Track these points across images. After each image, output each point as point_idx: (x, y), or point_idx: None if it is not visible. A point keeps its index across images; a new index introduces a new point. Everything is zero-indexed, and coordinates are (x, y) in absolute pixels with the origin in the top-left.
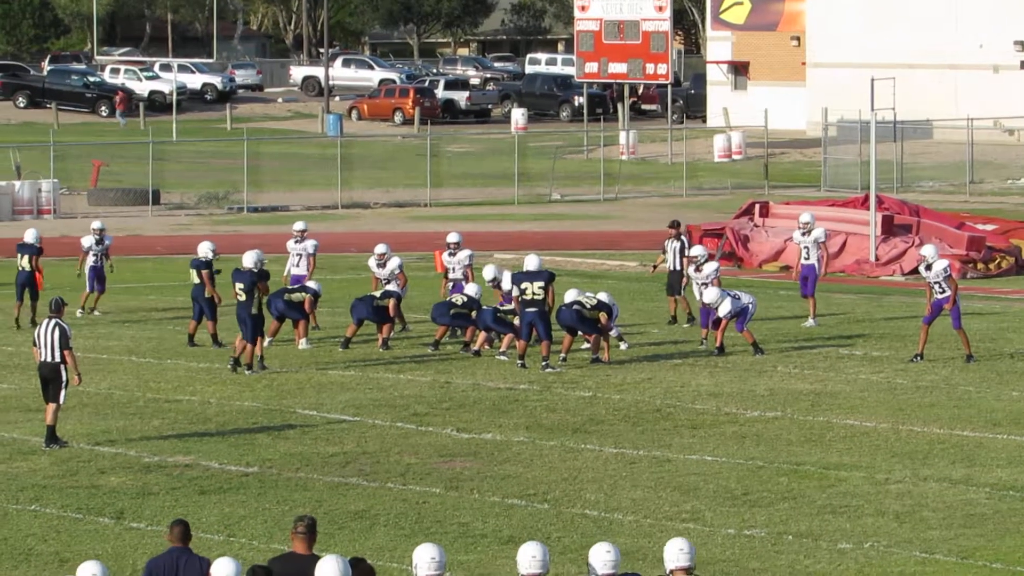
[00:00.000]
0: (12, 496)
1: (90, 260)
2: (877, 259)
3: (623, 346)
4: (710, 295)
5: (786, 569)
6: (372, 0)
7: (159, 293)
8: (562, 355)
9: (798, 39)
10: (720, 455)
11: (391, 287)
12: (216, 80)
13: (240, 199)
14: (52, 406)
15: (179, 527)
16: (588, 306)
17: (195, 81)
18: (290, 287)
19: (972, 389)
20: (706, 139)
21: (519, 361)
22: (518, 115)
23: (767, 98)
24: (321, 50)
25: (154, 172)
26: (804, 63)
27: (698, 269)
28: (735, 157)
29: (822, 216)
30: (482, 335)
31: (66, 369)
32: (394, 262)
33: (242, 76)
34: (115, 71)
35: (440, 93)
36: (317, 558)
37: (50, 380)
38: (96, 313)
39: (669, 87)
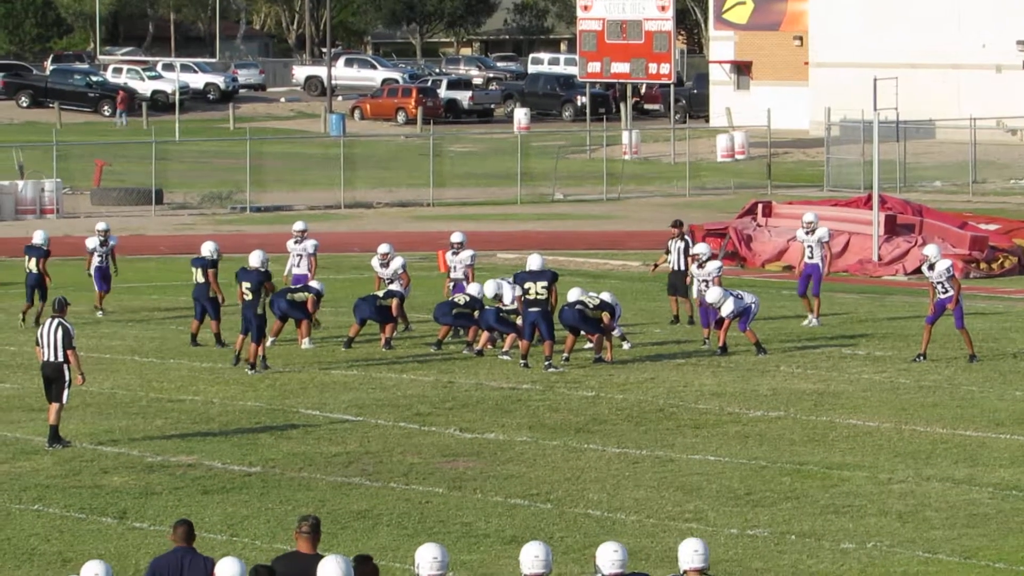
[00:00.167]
0: (15, 496)
1: (95, 261)
2: (880, 259)
3: (626, 346)
4: (713, 295)
5: (789, 569)
6: (375, 0)
7: (162, 293)
8: (565, 355)
9: (801, 39)
10: (723, 455)
11: (394, 287)
12: (219, 80)
13: (243, 199)
14: (55, 406)
15: (183, 527)
16: (591, 306)
17: (198, 81)
18: (293, 287)
19: (975, 389)
20: (709, 139)
21: (522, 361)
22: (521, 115)
23: (770, 98)
24: (324, 50)
25: (157, 172)
26: (807, 63)
27: (701, 266)
28: (738, 157)
29: (825, 216)
30: (485, 335)
31: (69, 369)
32: (397, 262)
33: (245, 76)
34: (118, 71)
35: (443, 93)
36: (321, 558)
37: (53, 380)
38: (100, 313)
39: (672, 87)
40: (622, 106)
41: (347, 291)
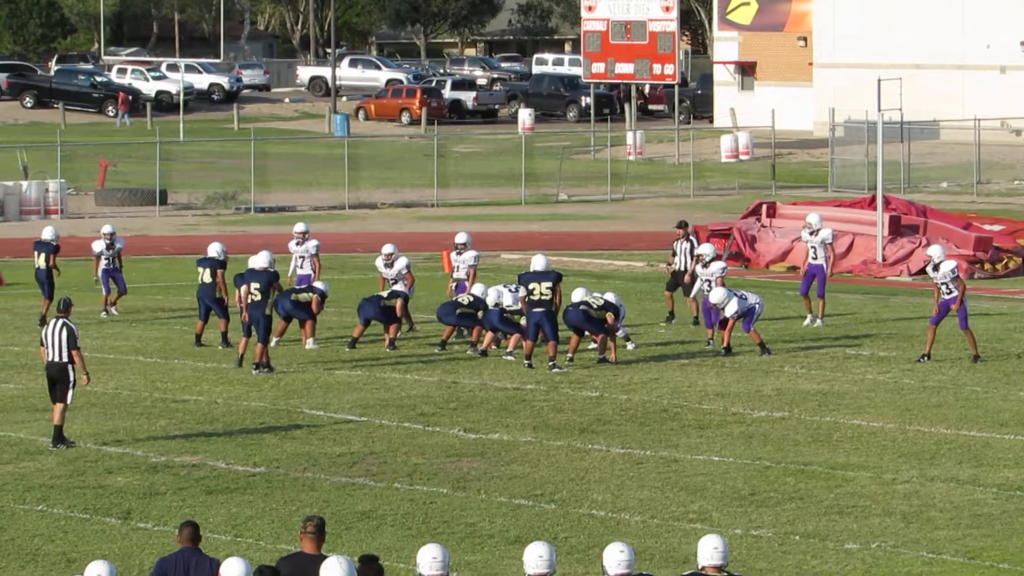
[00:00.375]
0: (19, 496)
1: (102, 264)
2: (884, 259)
3: (630, 346)
4: (717, 295)
5: (793, 569)
6: (379, 0)
7: (166, 293)
8: (569, 355)
9: (805, 39)
10: (727, 455)
11: (398, 287)
12: (223, 80)
13: (247, 199)
14: (59, 406)
15: (189, 528)
16: (595, 306)
17: (202, 81)
18: (297, 287)
19: (979, 389)
20: (713, 139)
21: (526, 361)
22: (525, 115)
23: (774, 98)
24: (328, 50)
25: (161, 172)
26: (811, 63)
27: (705, 266)
28: (742, 157)
29: (829, 216)
30: (489, 335)
31: (74, 369)
32: (401, 262)
33: (249, 76)
34: (122, 71)
35: (447, 93)
36: (325, 559)
37: (58, 380)
38: (104, 314)
39: (676, 87)
40: (626, 107)
41: (351, 291)
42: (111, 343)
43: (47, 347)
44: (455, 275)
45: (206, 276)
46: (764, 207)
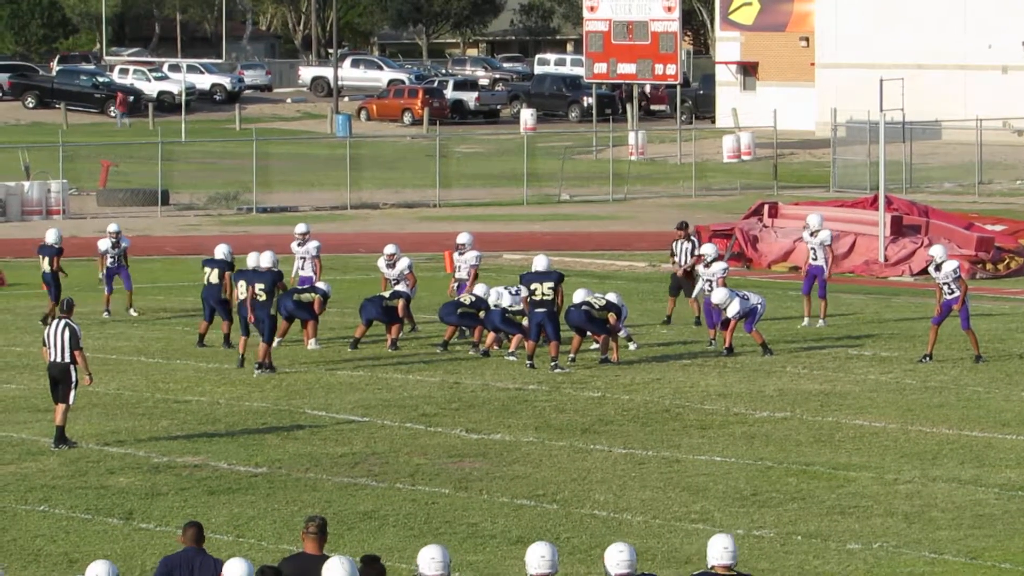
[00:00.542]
0: (21, 497)
1: (107, 262)
2: (886, 260)
3: (632, 347)
4: (718, 296)
5: (795, 569)
6: (381, 1)
7: (168, 294)
8: (571, 356)
9: (807, 39)
10: (729, 455)
11: (400, 287)
12: (225, 80)
13: (249, 199)
14: (61, 406)
15: (193, 529)
16: (597, 306)
17: (204, 81)
18: (300, 287)
19: (981, 389)
20: (715, 139)
21: (528, 362)
22: (527, 115)
23: (776, 99)
24: (330, 50)
25: (163, 172)
26: (813, 64)
27: (707, 267)
28: (744, 158)
29: (831, 216)
30: (491, 335)
31: (76, 369)
32: (403, 263)
33: (251, 76)
34: (124, 71)
35: (449, 93)
36: (328, 559)
37: (60, 380)
38: (105, 314)
39: (678, 87)
40: (628, 107)
41: (353, 292)
42: (113, 343)
43: (49, 347)
44: (456, 275)
45: (213, 277)
46: (766, 207)
